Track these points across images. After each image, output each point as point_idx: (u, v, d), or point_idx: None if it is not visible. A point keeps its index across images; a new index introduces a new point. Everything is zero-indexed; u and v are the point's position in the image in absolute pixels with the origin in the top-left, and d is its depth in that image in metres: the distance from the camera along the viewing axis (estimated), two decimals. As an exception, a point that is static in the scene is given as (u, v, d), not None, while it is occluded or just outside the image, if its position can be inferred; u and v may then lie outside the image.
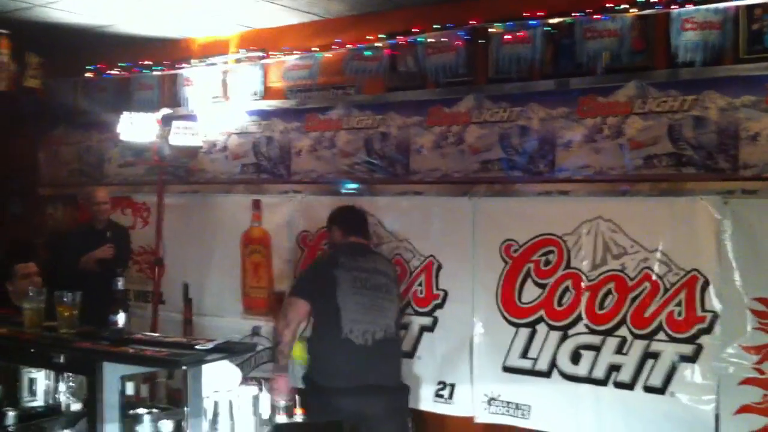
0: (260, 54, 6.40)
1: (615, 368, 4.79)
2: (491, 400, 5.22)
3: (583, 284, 4.91)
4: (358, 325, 4.70)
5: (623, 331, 4.77)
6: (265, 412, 3.91)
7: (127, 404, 3.65)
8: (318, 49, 6.05)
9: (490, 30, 5.28)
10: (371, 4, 5.71)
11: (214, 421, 3.63)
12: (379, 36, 5.71)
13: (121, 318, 3.67)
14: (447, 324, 5.39)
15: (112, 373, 3.37)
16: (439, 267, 5.43)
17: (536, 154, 5.22)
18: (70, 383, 4.07)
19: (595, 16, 4.92)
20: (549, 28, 5.09)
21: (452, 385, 5.33)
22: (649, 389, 4.68)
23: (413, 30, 5.56)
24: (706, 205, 4.54)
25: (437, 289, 5.45)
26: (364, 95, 5.97)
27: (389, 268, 5.09)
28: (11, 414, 3.84)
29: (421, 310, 5.51)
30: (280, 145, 6.35)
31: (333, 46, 5.94)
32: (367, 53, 5.79)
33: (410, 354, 5.52)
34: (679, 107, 4.74)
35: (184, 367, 3.55)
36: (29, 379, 4.04)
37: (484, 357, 5.25)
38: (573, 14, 4.97)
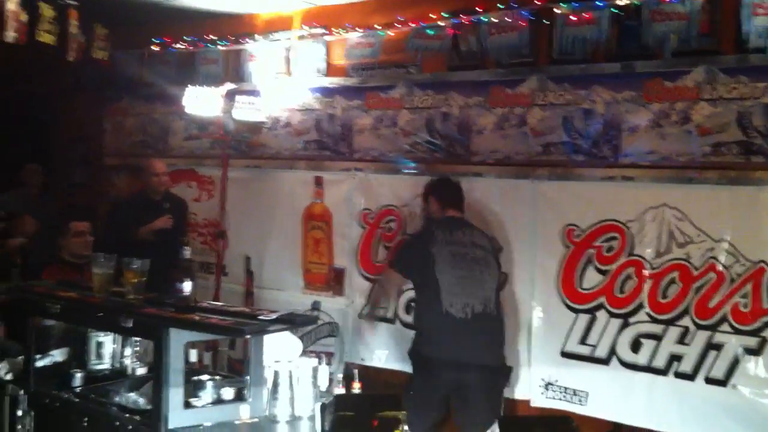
0: (323, 31, 6.40)
1: (676, 358, 4.73)
2: (548, 385, 5.21)
3: (645, 272, 4.84)
4: (458, 299, 4.78)
5: (686, 321, 4.70)
6: (324, 384, 3.97)
7: (190, 371, 3.75)
8: (380, 27, 6.02)
9: (554, 10, 5.20)
10: (434, -19, 5.66)
11: (274, 390, 3.69)
12: (442, 14, 5.66)
13: (187, 286, 3.74)
14: (506, 307, 5.30)
15: (177, 338, 3.45)
16: (499, 249, 5.34)
17: (600, 138, 5.13)
18: (136, 348, 4.18)
19: (663, -2, 4.83)
20: (615, 9, 5.00)
21: (509, 368, 5.32)
22: (710, 381, 4.61)
23: (476, 9, 5.49)
24: (775, 195, 4.45)
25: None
26: (426, 74, 5.92)
27: (486, 241, 5.06)
28: (78, 375, 3.98)
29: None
30: (342, 122, 6.34)
31: (395, 24, 5.90)
32: (430, 32, 5.74)
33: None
34: (749, 94, 4.61)
35: (248, 336, 3.63)
36: (97, 343, 4.16)
37: (542, 341, 5.23)
38: (640, -5, 4.89)
